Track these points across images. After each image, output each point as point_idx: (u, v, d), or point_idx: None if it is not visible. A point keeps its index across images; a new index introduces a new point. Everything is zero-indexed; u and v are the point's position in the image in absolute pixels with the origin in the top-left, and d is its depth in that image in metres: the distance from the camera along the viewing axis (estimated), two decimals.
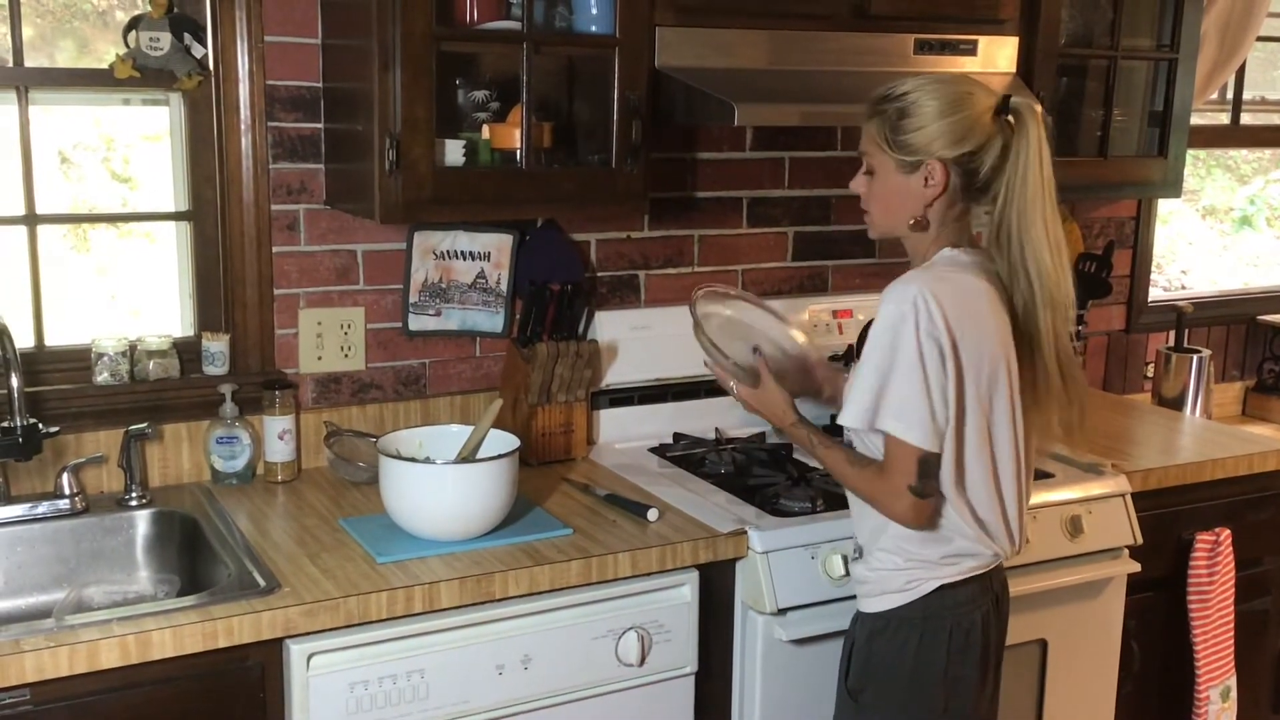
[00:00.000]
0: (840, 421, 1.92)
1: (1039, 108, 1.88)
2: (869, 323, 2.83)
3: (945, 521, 1.92)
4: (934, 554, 1.94)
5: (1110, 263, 3.26)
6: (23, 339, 2.35)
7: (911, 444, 1.83)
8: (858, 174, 1.98)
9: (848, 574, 2.24)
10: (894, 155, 1.88)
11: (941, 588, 1.94)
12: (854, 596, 2.11)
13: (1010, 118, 1.87)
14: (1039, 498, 2.47)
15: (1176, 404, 3.36)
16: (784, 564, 2.22)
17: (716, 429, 2.81)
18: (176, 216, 2.52)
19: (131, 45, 2.34)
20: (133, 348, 2.41)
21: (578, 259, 2.75)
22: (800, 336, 2.33)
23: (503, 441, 2.23)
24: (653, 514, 2.28)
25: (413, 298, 2.61)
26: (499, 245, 2.64)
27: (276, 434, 2.46)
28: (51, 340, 2.41)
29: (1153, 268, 3.66)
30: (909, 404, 1.83)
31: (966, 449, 1.89)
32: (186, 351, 2.46)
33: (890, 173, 1.91)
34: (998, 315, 1.88)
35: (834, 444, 1.98)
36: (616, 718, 2.19)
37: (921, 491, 1.86)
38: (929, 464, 1.85)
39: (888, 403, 1.84)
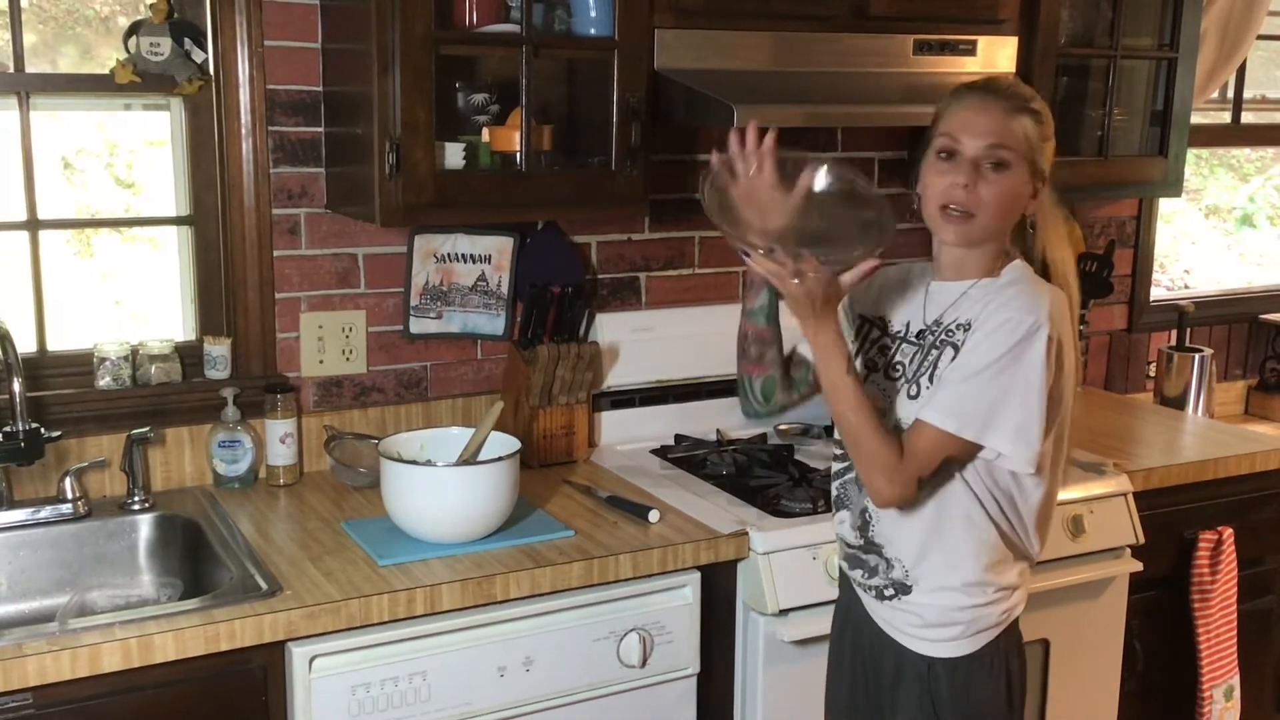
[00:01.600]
0: (931, 419, 1.75)
1: None
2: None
3: (1025, 540, 1.86)
4: (1014, 576, 1.87)
5: (1111, 262, 3.26)
6: (25, 344, 2.35)
7: (959, 439, 1.74)
8: (965, 165, 1.77)
9: None
10: (1037, 157, 1.80)
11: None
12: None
13: None
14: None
15: (1178, 403, 3.36)
16: (785, 565, 2.23)
17: (718, 430, 2.82)
18: (178, 221, 2.53)
19: (132, 50, 2.35)
20: (134, 352, 2.41)
21: (578, 261, 2.75)
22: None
23: (504, 444, 2.23)
24: (654, 515, 2.28)
25: (414, 300, 2.61)
26: (499, 248, 2.65)
27: (278, 437, 2.47)
28: (54, 345, 2.42)
29: (1155, 267, 3.66)
30: (1028, 427, 1.73)
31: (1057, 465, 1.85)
32: (188, 355, 2.47)
33: (1023, 177, 1.79)
34: None
35: (858, 385, 1.77)
36: (618, 719, 2.19)
37: (924, 484, 1.78)
38: (948, 462, 1.78)
39: (1004, 420, 1.73)
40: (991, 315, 1.76)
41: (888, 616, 1.91)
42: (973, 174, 1.78)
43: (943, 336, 1.83)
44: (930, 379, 1.81)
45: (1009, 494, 1.82)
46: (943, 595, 1.84)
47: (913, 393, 1.84)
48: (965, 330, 1.80)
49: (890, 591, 1.89)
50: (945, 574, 1.84)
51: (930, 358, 1.83)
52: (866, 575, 1.92)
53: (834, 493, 1.98)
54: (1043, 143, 1.81)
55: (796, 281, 1.72)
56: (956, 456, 1.78)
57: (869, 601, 1.94)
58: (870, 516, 1.90)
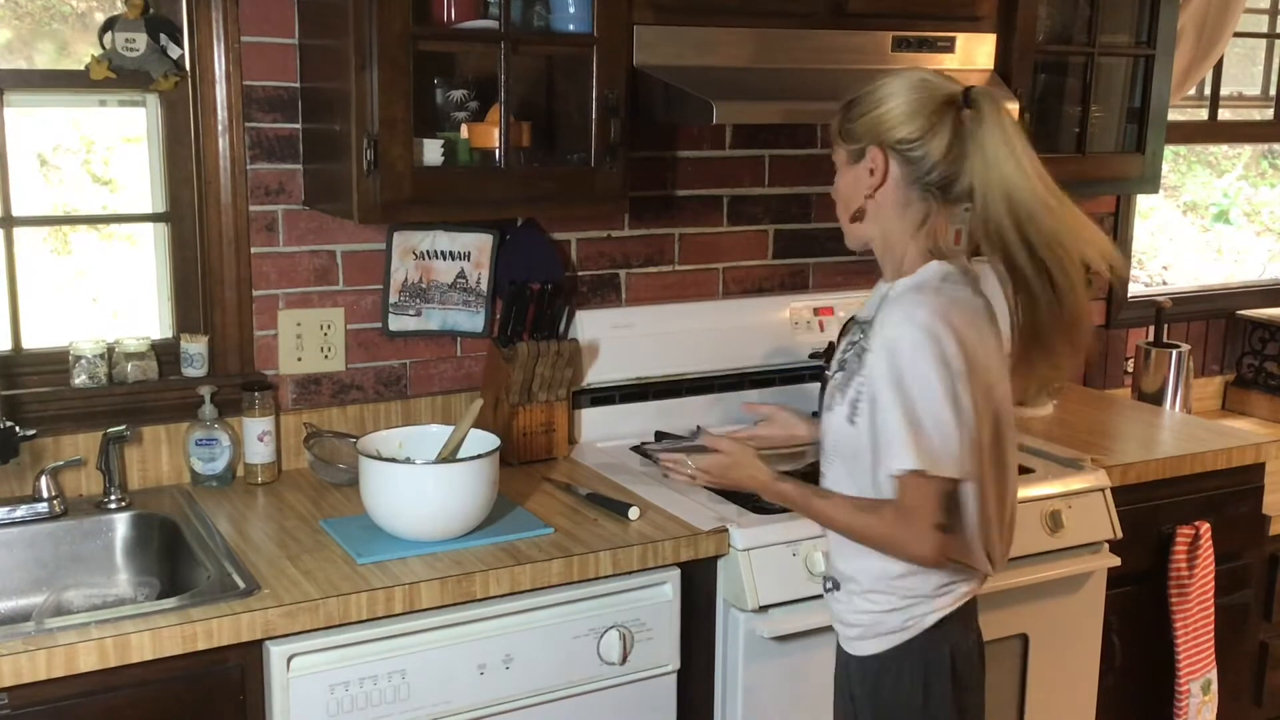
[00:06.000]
0: (891, 470, 1.74)
1: (1007, 99, 1.84)
2: (848, 322, 2.86)
3: (962, 552, 1.84)
4: (929, 587, 1.85)
5: None
6: (0, 342, 2.33)
7: (942, 477, 1.73)
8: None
9: None
10: (845, 146, 1.84)
11: (938, 621, 1.87)
12: None
13: (970, 110, 1.76)
14: (1019, 493, 2.48)
15: (1156, 399, 3.37)
16: (765, 561, 2.23)
17: (698, 427, 2.81)
18: (154, 218, 2.51)
19: (107, 46, 2.33)
20: (111, 350, 2.40)
21: (558, 258, 2.75)
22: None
23: (483, 441, 2.23)
24: (634, 512, 2.28)
25: (393, 298, 2.60)
26: (479, 245, 2.64)
27: (256, 436, 2.45)
28: (29, 343, 2.40)
29: (1134, 263, 3.68)
30: (943, 437, 1.71)
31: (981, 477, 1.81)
32: (165, 353, 2.45)
33: (843, 166, 1.85)
34: (996, 336, 1.83)
35: (830, 492, 1.86)
36: (599, 716, 2.19)
37: (949, 527, 1.77)
38: (952, 496, 1.77)
39: (921, 438, 1.71)
40: (876, 335, 1.77)
41: (829, 607, 1.99)
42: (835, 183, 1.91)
43: (860, 341, 1.84)
44: (840, 394, 1.85)
45: None
46: (853, 597, 1.90)
47: (828, 404, 1.90)
48: (864, 340, 1.82)
49: (830, 584, 1.97)
50: (855, 576, 1.88)
51: (848, 367, 1.86)
52: (826, 565, 2.00)
53: None
54: (848, 123, 1.82)
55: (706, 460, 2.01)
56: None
57: (825, 595, 2.00)
58: None
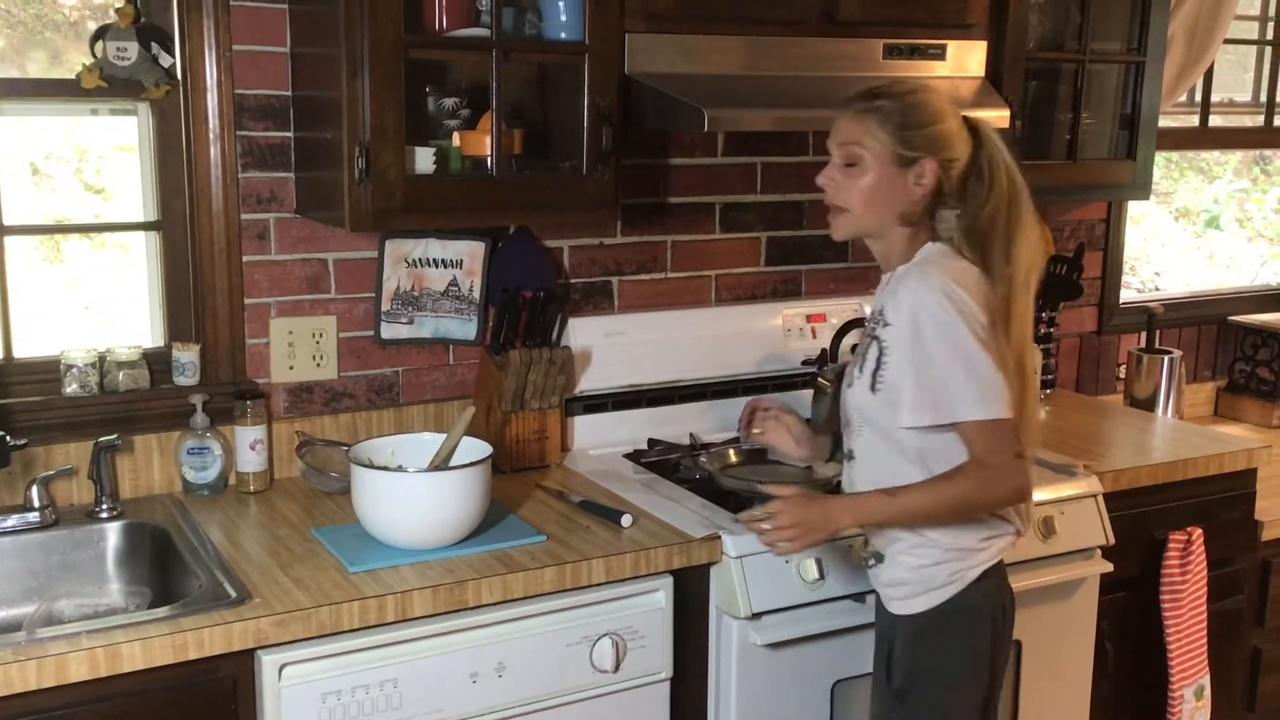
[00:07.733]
0: (908, 424, 1.89)
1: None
2: (847, 324, 2.86)
3: None
4: (971, 540, 1.97)
5: (1081, 265, 3.27)
6: None
7: (1002, 418, 1.85)
8: (829, 167, 1.97)
9: (821, 577, 2.24)
10: (895, 149, 1.90)
11: (981, 575, 1.97)
12: (829, 599, 2.15)
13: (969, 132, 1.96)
14: None
15: (1148, 405, 3.38)
16: (758, 569, 2.22)
17: (691, 434, 2.81)
18: (145, 226, 2.51)
19: (99, 55, 2.33)
20: (102, 359, 2.39)
21: (550, 266, 2.75)
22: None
23: (476, 449, 2.22)
24: (627, 520, 2.28)
25: (385, 306, 2.60)
26: (471, 252, 2.64)
27: (248, 444, 2.45)
28: (20, 352, 2.39)
29: (1126, 269, 3.68)
30: (986, 383, 1.84)
31: None
32: (157, 362, 2.45)
33: (883, 165, 1.91)
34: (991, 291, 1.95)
35: (898, 488, 1.91)
36: None
37: (1024, 454, 1.90)
38: (1017, 430, 1.89)
39: (964, 391, 1.84)
40: (892, 309, 1.90)
41: (875, 582, 2.09)
42: (833, 173, 1.96)
43: (871, 328, 1.98)
44: (860, 369, 1.99)
45: (949, 459, 1.91)
46: (899, 558, 2.00)
47: (849, 381, 2.02)
48: (878, 323, 1.94)
49: (872, 561, 2.06)
50: (901, 536, 1.99)
51: (862, 347, 2.02)
52: (864, 545, 2.11)
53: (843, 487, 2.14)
54: (905, 131, 1.90)
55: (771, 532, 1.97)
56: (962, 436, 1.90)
57: (869, 571, 2.10)
58: None
